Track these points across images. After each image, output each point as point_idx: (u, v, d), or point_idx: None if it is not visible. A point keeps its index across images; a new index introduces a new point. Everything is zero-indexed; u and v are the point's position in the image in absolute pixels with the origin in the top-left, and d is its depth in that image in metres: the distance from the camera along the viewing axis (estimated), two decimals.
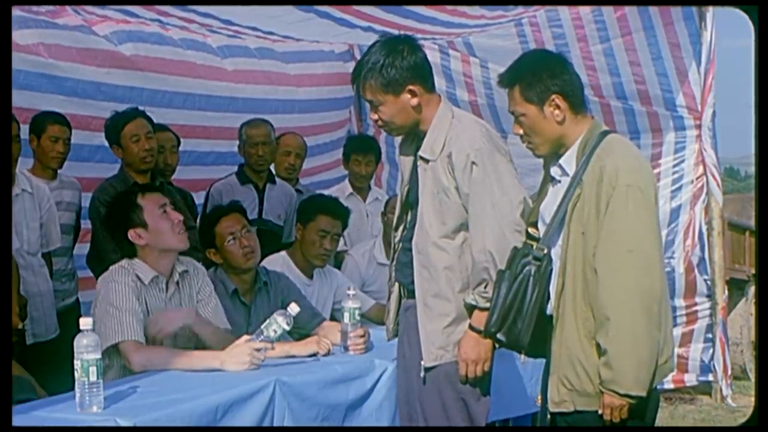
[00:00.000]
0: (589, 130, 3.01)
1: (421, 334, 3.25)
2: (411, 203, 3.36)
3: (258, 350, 3.36)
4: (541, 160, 3.14)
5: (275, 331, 3.39)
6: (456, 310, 3.21)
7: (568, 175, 2.99)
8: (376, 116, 3.30)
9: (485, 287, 3.13)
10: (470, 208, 3.18)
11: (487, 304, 3.10)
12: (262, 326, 3.42)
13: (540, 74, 3.00)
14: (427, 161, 3.24)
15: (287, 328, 3.41)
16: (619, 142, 3.03)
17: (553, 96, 2.98)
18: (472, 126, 3.28)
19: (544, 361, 3.10)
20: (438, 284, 3.21)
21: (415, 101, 3.24)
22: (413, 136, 3.37)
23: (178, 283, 3.64)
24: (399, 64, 3.21)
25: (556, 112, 2.98)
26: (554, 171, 3.05)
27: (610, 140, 2.98)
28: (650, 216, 2.88)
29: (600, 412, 2.87)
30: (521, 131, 3.06)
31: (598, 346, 2.86)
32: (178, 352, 3.48)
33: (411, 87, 3.23)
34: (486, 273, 3.13)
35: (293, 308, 3.43)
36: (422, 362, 3.25)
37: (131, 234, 3.54)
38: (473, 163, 3.16)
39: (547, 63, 3.05)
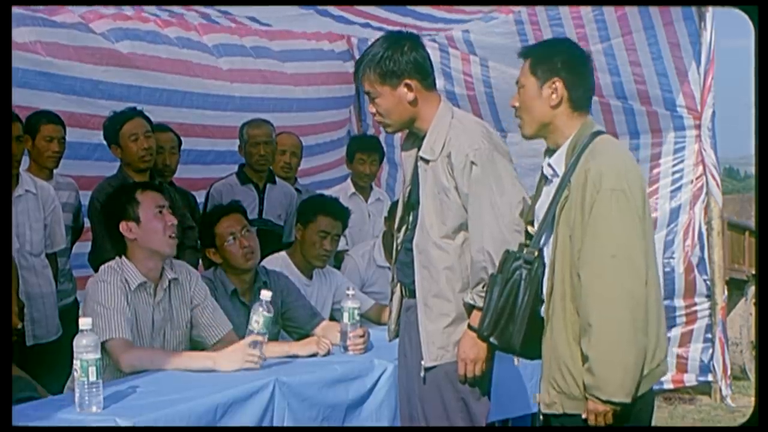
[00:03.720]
0: (580, 129, 2.98)
1: (422, 334, 3.24)
2: (413, 204, 3.35)
3: (250, 346, 3.35)
4: (541, 160, 3.12)
5: (257, 321, 3.38)
6: (456, 310, 3.20)
7: (558, 175, 2.97)
8: (373, 109, 3.31)
9: (483, 287, 3.12)
10: (469, 208, 3.17)
11: None
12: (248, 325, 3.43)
13: (554, 57, 3.00)
14: (427, 161, 3.23)
15: (269, 315, 3.40)
16: (608, 144, 2.99)
17: (555, 79, 2.97)
18: (472, 126, 3.27)
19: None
20: (438, 284, 3.21)
21: (411, 96, 3.24)
22: (414, 137, 3.37)
23: (166, 289, 3.60)
24: (398, 58, 3.22)
25: (553, 95, 2.97)
26: (546, 170, 3.03)
27: (599, 142, 2.95)
28: (635, 220, 2.82)
29: (584, 416, 2.84)
30: (517, 104, 3.06)
31: (582, 351, 2.83)
32: (168, 352, 3.46)
33: (408, 81, 3.23)
34: (484, 273, 3.12)
35: (265, 294, 3.42)
36: (422, 362, 3.24)
37: (122, 226, 3.51)
38: (472, 163, 3.15)
39: (569, 52, 3.05)
